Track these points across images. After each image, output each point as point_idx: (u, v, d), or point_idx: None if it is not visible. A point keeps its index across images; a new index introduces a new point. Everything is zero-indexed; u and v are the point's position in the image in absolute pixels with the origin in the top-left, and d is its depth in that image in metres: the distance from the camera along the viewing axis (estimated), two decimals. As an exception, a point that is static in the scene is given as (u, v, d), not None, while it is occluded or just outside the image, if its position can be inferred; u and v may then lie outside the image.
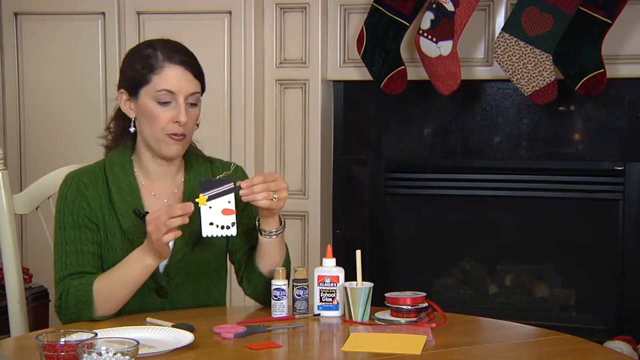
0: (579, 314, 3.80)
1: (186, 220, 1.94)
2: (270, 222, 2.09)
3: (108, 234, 2.10)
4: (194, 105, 2.10)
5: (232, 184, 1.97)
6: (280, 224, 2.11)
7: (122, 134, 2.18)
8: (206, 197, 1.95)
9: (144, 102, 2.08)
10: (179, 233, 1.95)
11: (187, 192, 2.16)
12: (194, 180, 2.17)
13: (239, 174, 2.24)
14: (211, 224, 1.95)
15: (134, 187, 2.13)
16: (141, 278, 2.03)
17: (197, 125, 2.18)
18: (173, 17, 3.69)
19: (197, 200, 1.95)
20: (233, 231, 1.96)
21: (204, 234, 1.96)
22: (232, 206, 1.95)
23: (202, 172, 2.19)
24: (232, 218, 1.95)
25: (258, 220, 2.10)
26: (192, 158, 2.21)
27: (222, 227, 1.96)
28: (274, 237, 2.10)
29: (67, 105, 3.80)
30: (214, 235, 1.96)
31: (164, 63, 2.06)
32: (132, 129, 2.13)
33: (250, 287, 2.19)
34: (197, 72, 2.11)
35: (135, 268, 2.02)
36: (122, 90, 2.13)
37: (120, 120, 2.18)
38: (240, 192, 1.97)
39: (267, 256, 2.13)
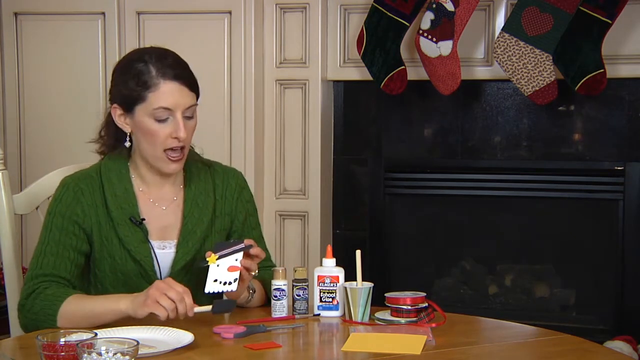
0: (579, 314, 3.80)
1: (180, 310, 1.89)
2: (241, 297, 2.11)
3: (105, 241, 2.08)
4: (190, 118, 2.07)
5: (243, 244, 2.00)
6: (249, 292, 2.13)
7: (116, 143, 2.15)
8: (217, 256, 1.99)
9: (140, 119, 2.05)
10: (161, 314, 1.88)
11: (188, 201, 2.15)
12: (195, 187, 2.16)
13: (240, 180, 2.25)
14: (215, 280, 1.98)
15: (130, 194, 2.11)
16: (107, 318, 1.95)
17: None
18: (173, 17, 3.69)
19: (207, 258, 2.00)
20: (234, 287, 1.97)
21: (207, 290, 1.97)
22: (239, 263, 1.98)
23: (202, 179, 2.18)
24: (236, 274, 1.98)
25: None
26: (191, 164, 2.19)
27: (225, 283, 1.97)
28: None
29: (67, 106, 3.80)
30: (216, 291, 1.98)
31: (159, 80, 2.02)
32: (127, 144, 2.11)
33: None
34: (192, 84, 2.07)
35: (107, 305, 1.96)
36: (115, 105, 2.09)
37: (114, 128, 2.14)
38: (251, 250, 2.00)
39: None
